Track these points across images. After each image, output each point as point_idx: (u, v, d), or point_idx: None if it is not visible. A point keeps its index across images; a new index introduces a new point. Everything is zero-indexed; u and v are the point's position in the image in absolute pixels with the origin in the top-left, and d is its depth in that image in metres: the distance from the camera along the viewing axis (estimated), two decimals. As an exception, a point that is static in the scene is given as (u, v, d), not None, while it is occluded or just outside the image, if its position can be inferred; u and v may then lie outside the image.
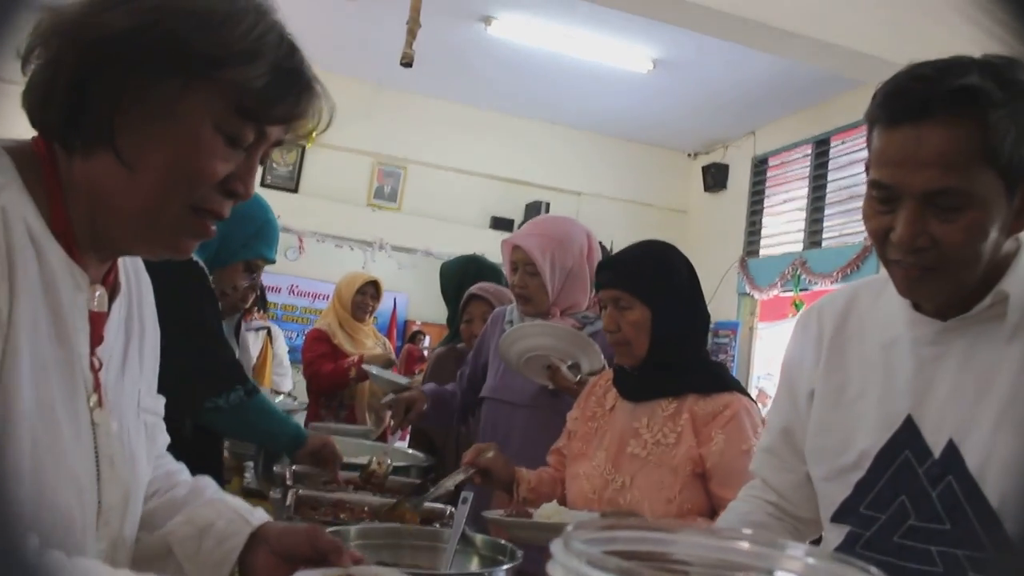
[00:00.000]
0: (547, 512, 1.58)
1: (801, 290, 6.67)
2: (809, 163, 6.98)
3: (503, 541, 1.44)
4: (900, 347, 1.23)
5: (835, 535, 1.26)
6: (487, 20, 6.06)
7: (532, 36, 6.19)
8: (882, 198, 1.14)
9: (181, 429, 1.88)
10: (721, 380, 1.77)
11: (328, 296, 11.76)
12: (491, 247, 7.97)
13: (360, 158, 7.83)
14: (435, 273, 7.49)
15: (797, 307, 6.62)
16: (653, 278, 1.77)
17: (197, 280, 1.84)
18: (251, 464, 3.00)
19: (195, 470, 1.85)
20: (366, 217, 7.79)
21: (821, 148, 6.88)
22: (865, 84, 6.22)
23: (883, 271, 1.27)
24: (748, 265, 7.37)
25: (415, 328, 9.81)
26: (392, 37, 6.66)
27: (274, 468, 2.11)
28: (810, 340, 1.36)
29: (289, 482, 1.95)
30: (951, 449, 1.14)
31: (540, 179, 8.26)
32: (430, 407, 2.52)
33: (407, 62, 3.61)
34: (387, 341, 4.56)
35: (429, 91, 7.72)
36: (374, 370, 3.71)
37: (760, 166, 7.64)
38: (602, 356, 2.15)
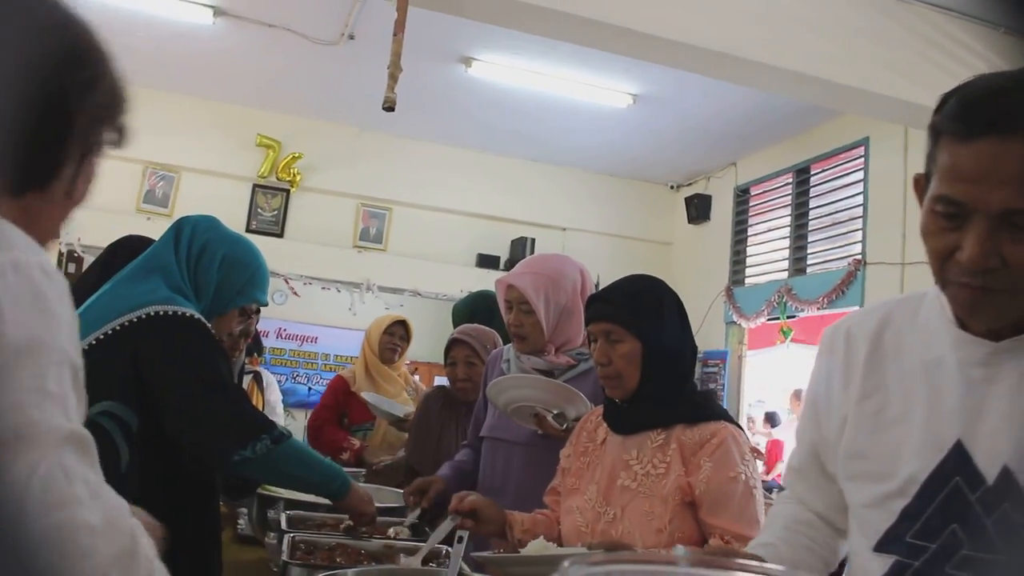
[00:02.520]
0: (535, 548, 1.59)
1: (788, 317, 6.71)
2: (791, 191, 7.06)
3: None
4: (946, 368, 1.17)
5: (878, 565, 1.19)
6: (467, 62, 6.13)
7: (512, 76, 6.27)
8: (949, 214, 1.06)
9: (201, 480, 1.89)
10: (707, 409, 1.78)
11: (316, 339, 11.78)
12: (478, 284, 8.02)
13: (345, 201, 7.86)
14: (423, 312, 7.52)
15: (785, 334, 6.65)
16: (644, 311, 1.78)
17: (205, 335, 1.85)
18: (244, 511, 3.00)
19: (192, 519, 1.85)
20: (352, 259, 7.81)
21: (802, 176, 6.96)
22: (844, 114, 6.33)
23: (931, 289, 1.22)
24: (734, 294, 7.42)
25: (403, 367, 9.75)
26: (373, 82, 6.72)
27: (268, 513, 2.10)
28: (838, 362, 1.30)
29: (284, 527, 1.94)
30: (1006, 476, 1.09)
31: (525, 216, 8.31)
32: (451, 488, 2.46)
33: (389, 106, 3.64)
34: (420, 386, 4.41)
35: (411, 133, 7.79)
36: (369, 398, 3.69)
37: (742, 196, 7.71)
38: (588, 403, 2.16)
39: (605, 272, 8.03)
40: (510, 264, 8.20)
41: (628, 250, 8.38)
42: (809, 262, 6.82)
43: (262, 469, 1.82)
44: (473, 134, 7.71)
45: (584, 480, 1.85)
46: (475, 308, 3.53)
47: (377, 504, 2.36)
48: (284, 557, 1.60)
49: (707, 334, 7.55)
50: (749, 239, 7.62)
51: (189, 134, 7.39)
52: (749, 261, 7.56)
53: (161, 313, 1.80)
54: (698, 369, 7.50)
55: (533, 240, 8.11)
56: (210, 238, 1.99)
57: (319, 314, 8.31)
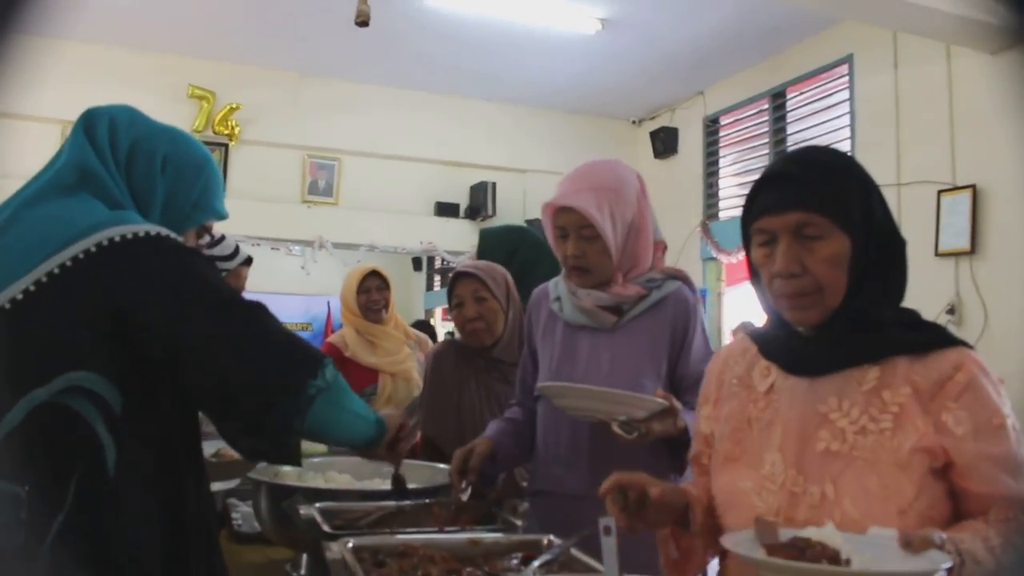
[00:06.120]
0: (826, 539, 1.02)
1: (772, 249, 6.39)
2: (768, 117, 6.70)
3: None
4: None
5: None
6: (422, -11, 5.61)
7: (470, 4, 5.75)
8: None
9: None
10: (936, 332, 1.28)
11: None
12: (438, 235, 7.60)
13: (289, 153, 7.28)
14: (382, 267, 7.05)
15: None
16: (851, 195, 1.25)
17: (195, 254, 1.37)
18: (238, 504, 2.54)
19: (193, 520, 1.39)
20: (302, 215, 7.25)
21: (778, 101, 6.61)
22: (822, 31, 5.98)
23: None
24: (711, 229, 7.07)
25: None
26: (313, 23, 6.19)
27: (299, 509, 1.65)
28: None
29: (326, 528, 1.50)
30: None
31: (483, 159, 7.83)
32: (502, 449, 1.99)
33: (363, 20, 3.17)
34: (423, 337, 3.91)
35: (357, 76, 7.22)
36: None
37: (712, 126, 7.35)
38: (658, 400, 1.72)
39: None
40: (471, 212, 7.74)
41: (591, 191, 7.98)
42: (790, 190, 6.49)
43: (332, 405, 1.36)
44: (426, 74, 7.16)
45: (749, 446, 1.33)
46: (515, 251, 3.07)
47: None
48: (357, 572, 1.16)
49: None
50: (722, 171, 7.27)
51: (112, 87, 6.64)
52: (724, 193, 7.22)
53: (129, 236, 1.28)
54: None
55: (494, 184, 7.66)
56: (139, 135, 1.45)
57: (272, 279, 7.71)
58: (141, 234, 1.28)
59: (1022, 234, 4.61)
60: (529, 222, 7.13)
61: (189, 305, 1.28)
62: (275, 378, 1.30)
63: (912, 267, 4.97)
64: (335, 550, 1.26)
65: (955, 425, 1.19)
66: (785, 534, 1.06)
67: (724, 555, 1.40)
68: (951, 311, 4.96)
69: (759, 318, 1.44)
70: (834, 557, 0.98)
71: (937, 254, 5.07)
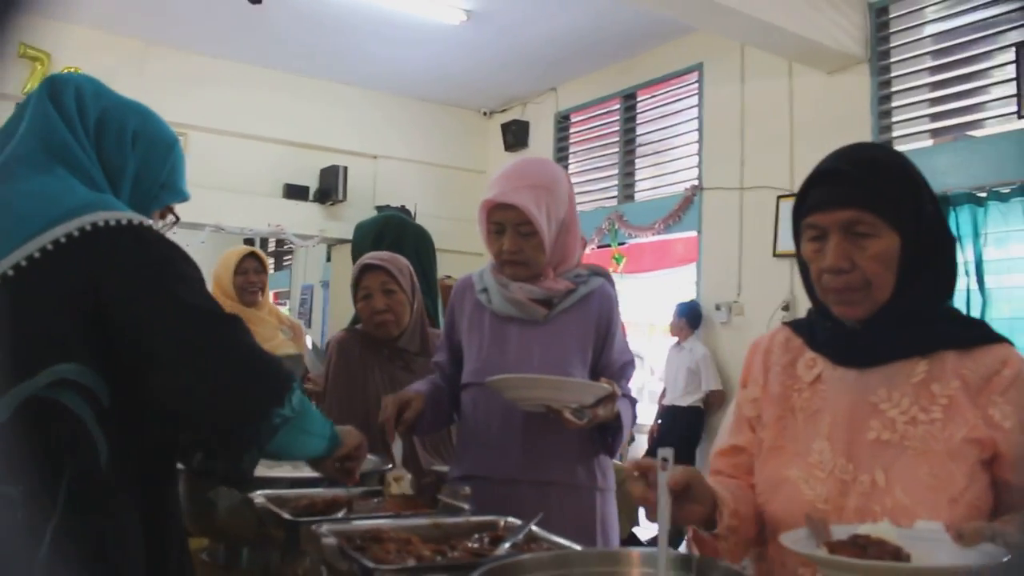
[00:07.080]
0: (884, 532, 1.05)
1: (619, 243, 6.68)
2: (619, 117, 6.98)
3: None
4: None
5: None
6: (286, -35, 5.48)
7: (336, -16, 5.68)
8: None
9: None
10: (982, 329, 1.32)
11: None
12: (287, 217, 7.41)
13: (131, 125, 6.90)
14: (228, 249, 6.90)
15: (617, 260, 6.61)
16: (902, 193, 1.27)
17: (179, 251, 1.27)
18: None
19: (170, 515, 1.34)
20: (144, 191, 6.89)
21: (629, 102, 6.90)
22: (674, 40, 6.30)
23: None
24: (559, 223, 7.29)
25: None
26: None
27: (251, 499, 1.63)
28: None
29: (287, 515, 1.50)
30: None
31: (335, 143, 7.73)
32: (428, 409, 1.99)
33: None
34: (296, 323, 3.88)
35: (207, 49, 6.96)
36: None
37: (563, 122, 7.57)
38: (605, 385, 1.83)
39: (420, 201, 7.69)
40: (320, 195, 7.63)
41: (442, 179, 8.06)
42: (638, 188, 6.81)
43: (294, 431, 1.30)
44: (279, 52, 6.99)
45: (795, 435, 1.35)
46: (382, 234, 3.03)
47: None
48: (369, 563, 1.18)
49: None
50: (572, 166, 7.51)
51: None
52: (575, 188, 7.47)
53: (112, 223, 1.20)
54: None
55: (345, 168, 7.58)
56: (107, 106, 1.36)
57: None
58: (124, 222, 1.21)
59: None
60: (380, 208, 7.11)
61: (160, 309, 1.22)
62: (238, 404, 1.24)
63: (752, 266, 5.39)
64: (329, 535, 1.27)
65: (1002, 419, 1.22)
66: (836, 531, 1.10)
67: (761, 555, 1.41)
68: (786, 308, 5.38)
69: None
70: (895, 553, 1.01)
71: (775, 255, 5.48)
